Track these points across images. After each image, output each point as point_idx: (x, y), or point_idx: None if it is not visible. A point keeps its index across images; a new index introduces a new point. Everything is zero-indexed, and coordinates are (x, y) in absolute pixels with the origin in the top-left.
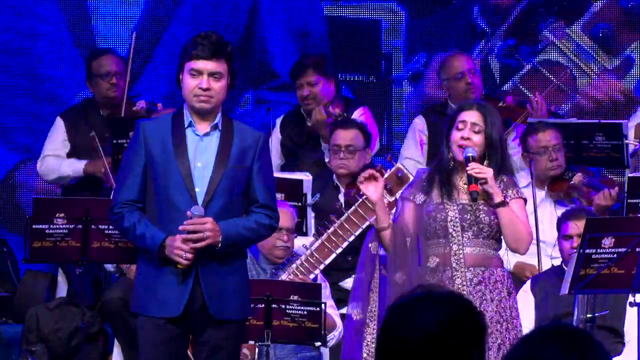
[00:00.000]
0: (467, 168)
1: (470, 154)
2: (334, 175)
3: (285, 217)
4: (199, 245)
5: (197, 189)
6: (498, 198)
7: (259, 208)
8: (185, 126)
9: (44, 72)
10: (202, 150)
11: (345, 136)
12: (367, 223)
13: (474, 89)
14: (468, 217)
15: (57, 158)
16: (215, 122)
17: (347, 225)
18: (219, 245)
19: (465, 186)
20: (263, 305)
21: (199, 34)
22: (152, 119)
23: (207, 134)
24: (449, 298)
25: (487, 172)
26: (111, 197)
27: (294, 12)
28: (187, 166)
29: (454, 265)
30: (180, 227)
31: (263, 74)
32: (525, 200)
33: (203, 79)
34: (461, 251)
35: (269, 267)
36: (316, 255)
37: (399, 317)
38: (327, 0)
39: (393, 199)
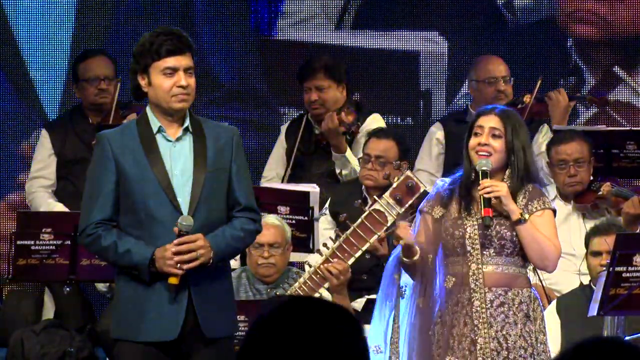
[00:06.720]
0: (478, 187)
1: (483, 168)
2: (363, 186)
3: (266, 231)
4: (191, 265)
5: (179, 199)
6: (515, 216)
7: (241, 212)
8: (155, 132)
9: None
10: (177, 156)
11: (376, 146)
12: (375, 237)
13: (503, 98)
14: (488, 232)
15: (45, 190)
16: (186, 124)
17: (353, 240)
18: (210, 261)
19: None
20: None
21: (160, 33)
22: (114, 130)
23: (179, 139)
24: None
25: (500, 189)
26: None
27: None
28: (165, 175)
29: (472, 285)
30: (174, 250)
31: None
32: (554, 211)
33: (180, 76)
34: (480, 270)
35: (264, 287)
36: (320, 272)
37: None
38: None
39: (403, 210)
